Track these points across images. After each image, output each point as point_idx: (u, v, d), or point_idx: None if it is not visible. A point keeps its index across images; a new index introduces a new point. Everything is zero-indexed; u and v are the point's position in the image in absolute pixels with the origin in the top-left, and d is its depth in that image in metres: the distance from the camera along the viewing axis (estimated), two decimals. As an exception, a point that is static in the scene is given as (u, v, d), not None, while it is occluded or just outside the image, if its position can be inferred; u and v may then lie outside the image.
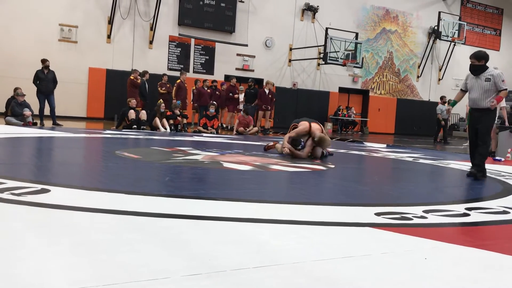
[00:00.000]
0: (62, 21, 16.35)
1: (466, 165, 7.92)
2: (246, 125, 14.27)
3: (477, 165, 6.00)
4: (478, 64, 6.00)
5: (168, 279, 1.88)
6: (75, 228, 2.53)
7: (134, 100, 13.00)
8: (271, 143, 8.23)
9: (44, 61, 12.22)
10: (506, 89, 5.89)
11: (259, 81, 18.07)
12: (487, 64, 6.01)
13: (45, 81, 12.09)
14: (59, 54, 15.87)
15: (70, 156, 6.37)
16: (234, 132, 14.24)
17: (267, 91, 15.37)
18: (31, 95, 12.19)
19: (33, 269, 1.89)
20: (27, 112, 11.76)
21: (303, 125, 7.40)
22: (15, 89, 12.01)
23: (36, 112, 12.13)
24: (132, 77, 14.11)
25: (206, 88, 14.97)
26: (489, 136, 6.12)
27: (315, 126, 7.36)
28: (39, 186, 3.58)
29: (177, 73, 17.31)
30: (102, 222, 2.70)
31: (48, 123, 12.10)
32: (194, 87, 15.37)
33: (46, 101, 12.19)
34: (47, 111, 12.20)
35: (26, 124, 11.53)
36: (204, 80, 15.49)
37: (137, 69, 14.75)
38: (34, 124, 11.77)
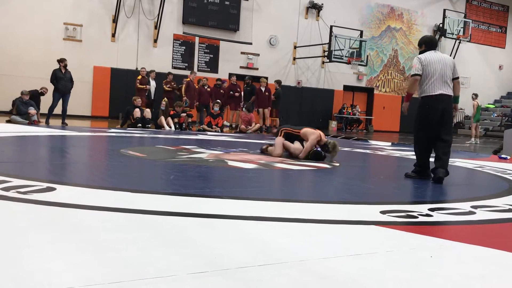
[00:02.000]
0: (67, 20, 16.39)
1: (472, 163, 7.90)
2: (248, 122, 14.28)
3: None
4: (420, 50, 5.57)
5: (174, 277, 1.88)
6: (81, 226, 2.54)
7: (140, 99, 13.03)
8: (264, 146, 7.56)
9: (62, 60, 12.26)
10: (411, 76, 5.47)
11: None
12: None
13: (64, 80, 12.14)
14: (63, 53, 15.78)
15: (75, 154, 6.39)
16: (239, 129, 14.27)
17: (263, 89, 15.39)
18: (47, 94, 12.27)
19: (39, 268, 1.90)
20: (32, 110, 11.81)
21: (314, 134, 6.91)
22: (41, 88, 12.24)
23: (43, 111, 12.17)
24: (139, 78, 14.17)
25: (205, 87, 14.93)
26: (416, 129, 5.53)
27: (321, 133, 7.05)
28: (45, 185, 3.59)
29: (181, 72, 17.36)
30: (108, 220, 2.71)
31: (54, 122, 12.12)
32: (196, 86, 15.37)
33: (60, 100, 12.19)
34: (57, 110, 12.22)
35: (31, 123, 11.57)
36: (207, 79, 15.53)
37: (145, 68, 14.77)
38: (39, 122, 11.81)
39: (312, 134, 6.92)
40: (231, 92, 15.62)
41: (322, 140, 6.94)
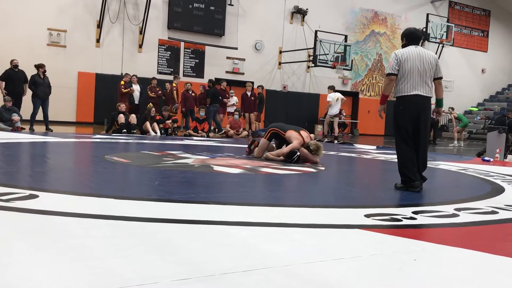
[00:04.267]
0: (51, 25, 16.24)
1: (455, 166, 7.98)
2: (237, 128, 14.26)
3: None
4: (401, 45, 5.02)
5: (158, 284, 1.87)
6: (64, 234, 2.51)
7: (123, 105, 12.95)
8: (252, 145, 7.82)
9: (41, 66, 12.14)
10: (385, 75, 4.88)
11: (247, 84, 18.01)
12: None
13: (43, 86, 12.02)
14: (48, 59, 15.67)
15: (59, 161, 6.33)
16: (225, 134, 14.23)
17: (248, 94, 15.39)
18: (24, 99, 12.06)
19: (21, 276, 1.87)
20: (15, 117, 11.67)
21: (296, 138, 6.99)
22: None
23: (26, 117, 12.04)
24: (122, 83, 14.08)
25: (190, 92, 14.88)
26: (395, 135, 4.91)
27: (305, 134, 7.15)
28: (28, 192, 3.55)
29: (167, 77, 17.30)
30: (92, 228, 2.69)
31: (38, 128, 12.00)
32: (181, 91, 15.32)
33: (40, 106, 12.07)
34: (39, 116, 12.09)
35: (15, 129, 11.44)
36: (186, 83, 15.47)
37: (128, 73, 14.68)
38: (22, 129, 11.68)
39: (295, 139, 7.04)
40: (220, 98, 15.59)
41: (305, 143, 7.06)
